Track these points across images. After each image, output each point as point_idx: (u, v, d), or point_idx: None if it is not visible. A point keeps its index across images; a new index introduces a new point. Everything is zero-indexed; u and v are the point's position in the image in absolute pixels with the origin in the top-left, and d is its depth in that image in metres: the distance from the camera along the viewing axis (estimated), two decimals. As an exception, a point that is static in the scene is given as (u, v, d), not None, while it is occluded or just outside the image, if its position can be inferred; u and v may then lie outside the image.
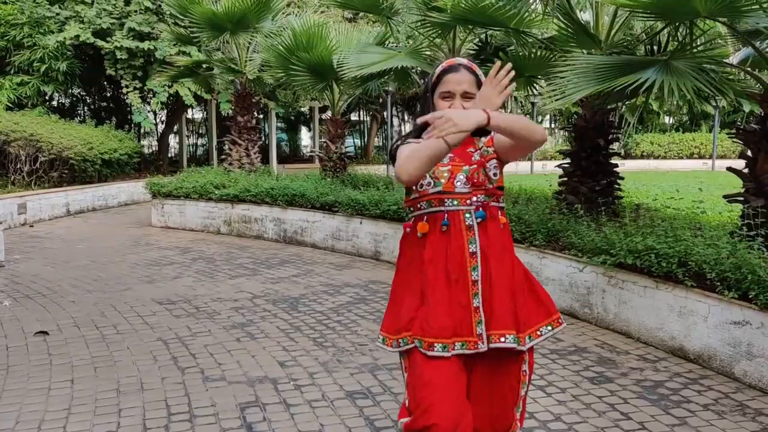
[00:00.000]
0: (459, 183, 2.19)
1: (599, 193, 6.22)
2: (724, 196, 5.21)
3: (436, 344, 2.14)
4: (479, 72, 2.26)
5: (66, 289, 5.93)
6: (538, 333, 2.26)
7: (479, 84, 2.22)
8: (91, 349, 4.30)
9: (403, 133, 2.32)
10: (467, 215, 2.19)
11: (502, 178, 2.29)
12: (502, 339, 2.16)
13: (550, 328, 2.28)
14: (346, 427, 3.17)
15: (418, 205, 2.24)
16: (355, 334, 4.59)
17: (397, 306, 2.29)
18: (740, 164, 5.16)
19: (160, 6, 13.45)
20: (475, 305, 2.17)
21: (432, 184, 2.19)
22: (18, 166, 11.03)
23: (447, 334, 2.14)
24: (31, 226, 10.03)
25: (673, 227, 4.88)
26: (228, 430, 3.13)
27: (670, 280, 4.23)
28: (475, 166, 2.21)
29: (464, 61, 2.28)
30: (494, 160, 2.23)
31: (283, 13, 11.29)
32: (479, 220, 2.19)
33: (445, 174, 2.20)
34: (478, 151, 2.25)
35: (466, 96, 2.20)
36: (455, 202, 2.19)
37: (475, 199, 2.19)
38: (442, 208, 2.19)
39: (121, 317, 5.05)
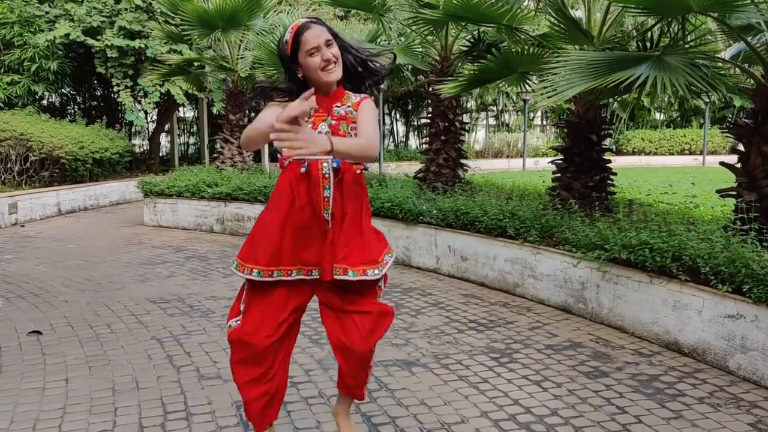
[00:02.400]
0: (320, 133, 2.39)
1: (592, 189, 6.24)
2: (718, 191, 5.24)
3: (275, 271, 2.48)
4: (323, 21, 2.49)
5: (58, 289, 5.90)
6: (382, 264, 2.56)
7: (330, 29, 2.43)
8: (85, 349, 4.28)
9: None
10: (324, 164, 2.43)
11: None
12: (349, 273, 2.48)
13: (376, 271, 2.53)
14: (343, 423, 3.16)
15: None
16: (350, 331, 4.58)
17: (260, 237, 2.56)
18: (731, 159, 5.19)
19: (150, 4, 13.37)
20: (327, 240, 2.46)
21: None
22: (8, 166, 10.95)
23: (286, 262, 2.48)
24: (22, 225, 9.96)
25: (666, 222, 4.90)
26: (225, 428, 3.12)
27: (664, 275, 4.25)
28: (336, 120, 2.47)
29: (307, 18, 2.46)
30: (354, 125, 2.47)
31: (275, 11, 11.26)
32: (335, 165, 2.44)
33: (308, 125, 2.38)
34: (345, 107, 2.50)
35: (328, 43, 2.38)
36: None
37: None
38: (304, 157, 2.38)
39: (114, 316, 5.02)
